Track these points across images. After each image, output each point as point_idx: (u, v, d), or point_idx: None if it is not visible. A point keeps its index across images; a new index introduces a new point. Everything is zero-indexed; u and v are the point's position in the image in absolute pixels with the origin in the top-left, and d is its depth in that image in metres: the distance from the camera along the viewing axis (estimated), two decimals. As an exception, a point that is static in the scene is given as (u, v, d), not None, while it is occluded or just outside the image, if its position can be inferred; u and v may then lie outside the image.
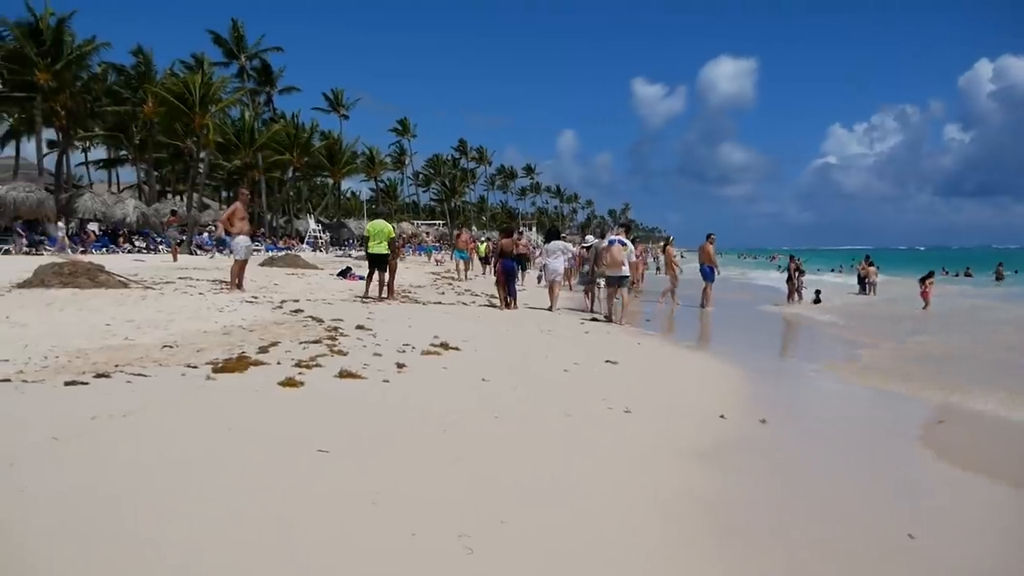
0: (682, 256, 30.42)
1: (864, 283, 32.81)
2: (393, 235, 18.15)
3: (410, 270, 34.53)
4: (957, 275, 51.55)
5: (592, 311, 18.37)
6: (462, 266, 28.85)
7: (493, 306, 18.27)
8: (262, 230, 61.85)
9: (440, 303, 18.22)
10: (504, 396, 7.60)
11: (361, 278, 22.68)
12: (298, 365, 8.12)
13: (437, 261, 45.11)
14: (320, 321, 12.07)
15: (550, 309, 18.20)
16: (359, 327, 11.60)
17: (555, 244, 19.55)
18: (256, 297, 15.10)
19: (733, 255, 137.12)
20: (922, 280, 26.75)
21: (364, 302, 16.74)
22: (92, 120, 56.47)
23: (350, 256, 49.78)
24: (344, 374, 7.81)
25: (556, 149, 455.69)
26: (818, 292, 27.10)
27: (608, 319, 16.46)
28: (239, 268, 16.37)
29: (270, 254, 38.18)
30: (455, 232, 32.45)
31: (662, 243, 24.60)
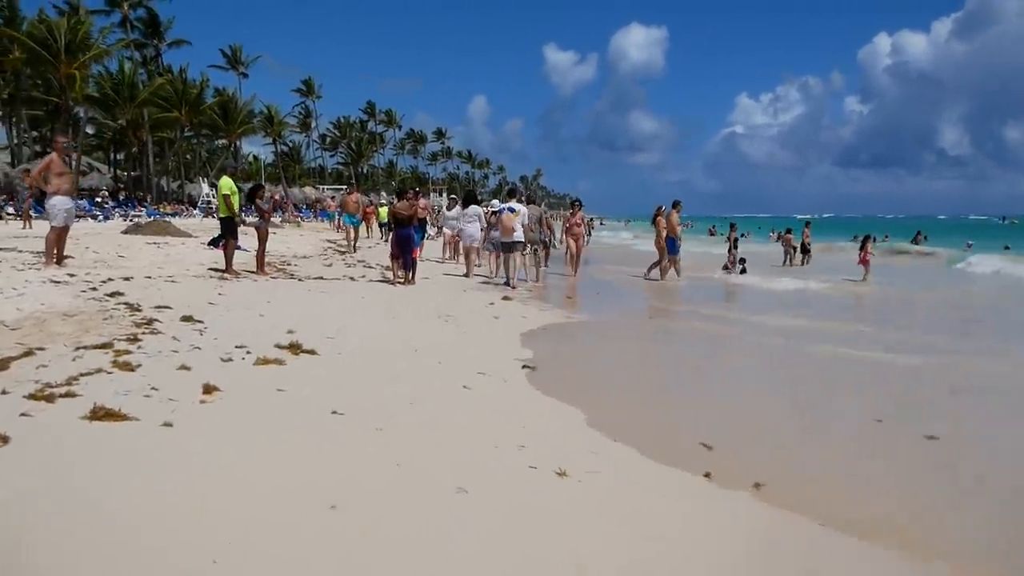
0: (601, 223, 27.47)
1: (789, 252, 30.47)
2: (228, 192, 14.76)
3: (304, 238, 31.25)
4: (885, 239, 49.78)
5: (507, 277, 16.72)
6: (351, 233, 24.95)
7: (387, 281, 15.31)
8: (141, 195, 57.14)
9: (321, 278, 15.15)
10: (360, 454, 4.69)
11: (239, 246, 19.44)
12: (35, 396, 5.07)
13: (339, 227, 41.58)
14: (137, 309, 8.95)
15: (466, 275, 17.94)
16: (186, 318, 8.51)
17: (472, 209, 18.78)
18: (73, 275, 11.76)
19: (646, 223, 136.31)
20: (861, 246, 24.52)
21: (224, 279, 13.56)
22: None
23: (244, 222, 45.76)
24: (99, 413, 4.78)
25: (467, 115, 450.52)
26: (743, 261, 24.53)
27: (508, 283, 16.35)
28: (55, 237, 12.91)
29: (151, 219, 34.17)
30: (344, 193, 27.41)
31: (656, 214, 20.88)
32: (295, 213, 58.91)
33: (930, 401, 7.62)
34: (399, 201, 15.78)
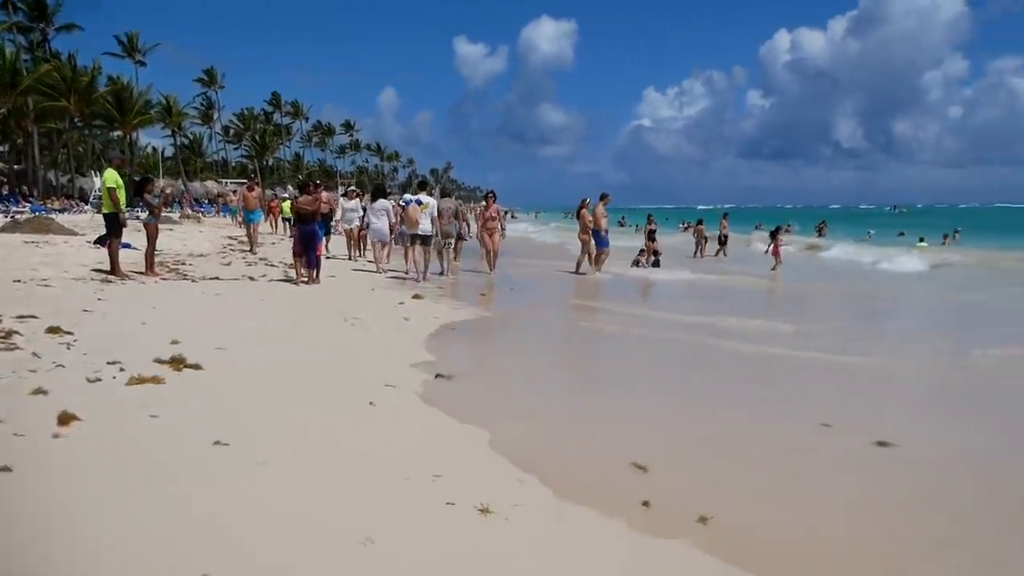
0: (513, 216, 26.53)
1: (700, 243, 30.40)
2: (114, 185, 13.58)
3: (204, 234, 29.73)
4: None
5: (415, 272, 16.63)
6: (253, 230, 21.58)
7: (290, 280, 14.38)
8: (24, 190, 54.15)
9: (218, 279, 14.11)
10: (245, 499, 3.92)
11: (126, 244, 18.14)
12: None
13: (240, 224, 39.71)
14: (-4, 320, 7.89)
15: (378, 271, 17.71)
16: (53, 330, 7.51)
17: (380, 203, 18.08)
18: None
19: (558, 214, 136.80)
20: (772, 235, 24.51)
21: (108, 281, 12.45)
22: None
23: (138, 218, 43.71)
24: (-87, 460, 3.89)
25: (376, 107, 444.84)
26: (657, 254, 24.22)
27: (421, 277, 16.38)
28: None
29: (33, 216, 32.08)
30: (244, 187, 24.74)
31: (580, 206, 20.22)
32: (196, 208, 56.73)
33: (873, 402, 7.22)
34: (301, 195, 14.84)
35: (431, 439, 5.17)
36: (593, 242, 19.87)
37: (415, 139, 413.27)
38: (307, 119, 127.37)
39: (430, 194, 17.50)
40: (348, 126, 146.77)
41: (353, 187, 23.29)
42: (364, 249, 20.77)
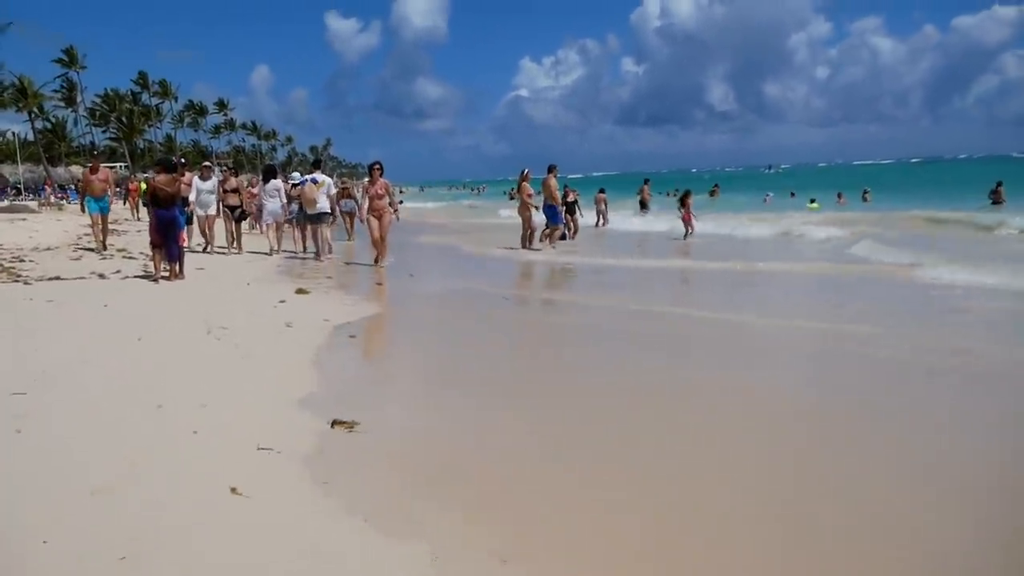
0: (401, 192, 24.31)
1: (602, 212, 29.08)
2: None
3: (62, 223, 26.57)
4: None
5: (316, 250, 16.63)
6: (99, 220, 16.91)
7: (148, 276, 12.15)
8: None
9: (59, 278, 11.76)
10: None
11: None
12: None
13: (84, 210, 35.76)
14: None
15: (270, 252, 17.13)
16: None
17: (273, 183, 17.57)
18: None
19: (442, 187, 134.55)
20: (681, 201, 23.14)
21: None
22: None
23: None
24: None
25: (250, 85, 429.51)
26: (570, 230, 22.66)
27: (317, 257, 16.33)
28: None
29: None
30: (87, 168, 19.86)
31: (521, 179, 18.70)
32: (59, 196, 52.35)
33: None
34: (159, 175, 12.56)
35: (332, 565, 3.28)
36: (541, 217, 19.06)
37: (292, 117, 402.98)
38: (177, 99, 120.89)
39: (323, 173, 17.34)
40: (222, 105, 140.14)
41: (207, 163, 18.99)
42: (208, 239, 17.21)
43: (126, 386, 5.67)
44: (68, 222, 27.74)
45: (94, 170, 17.07)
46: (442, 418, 5.33)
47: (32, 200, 46.71)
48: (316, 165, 18.18)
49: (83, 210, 17.36)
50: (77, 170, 75.19)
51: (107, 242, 17.14)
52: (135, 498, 3.71)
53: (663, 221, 26.39)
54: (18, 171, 69.47)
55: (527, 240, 18.80)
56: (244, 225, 18.44)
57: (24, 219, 26.99)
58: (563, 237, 20.63)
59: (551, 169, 18.63)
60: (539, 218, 19.10)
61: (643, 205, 31.00)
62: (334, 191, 17.45)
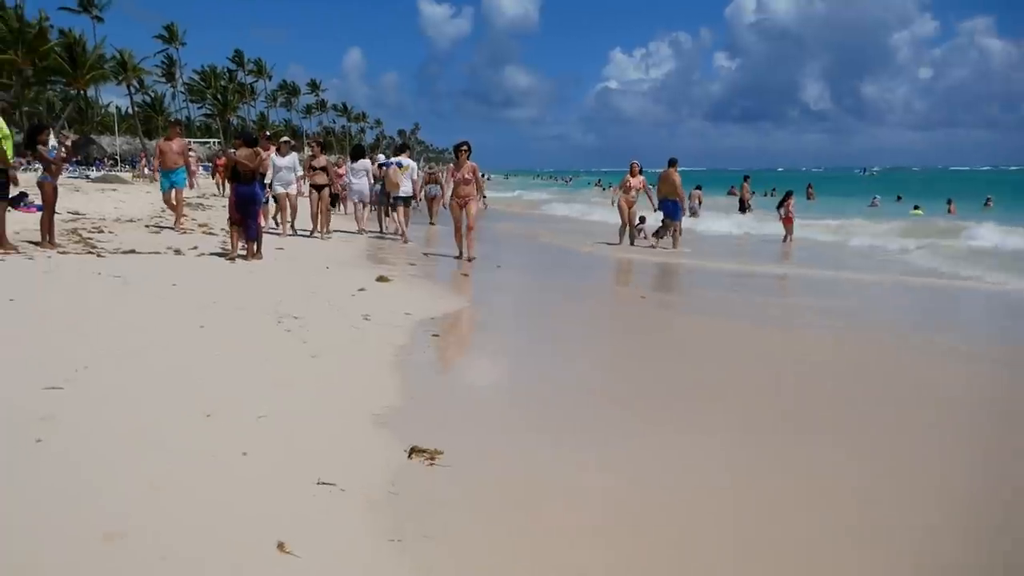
0: (488, 179, 23.15)
1: (693, 208, 27.66)
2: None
3: (152, 195, 26.49)
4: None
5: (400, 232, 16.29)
6: (175, 199, 15.40)
7: (225, 254, 11.55)
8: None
9: (134, 252, 11.24)
10: None
11: (30, 205, 15.15)
12: None
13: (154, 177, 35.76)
14: None
15: (357, 232, 17.38)
16: None
17: (361, 163, 17.74)
18: None
19: (529, 176, 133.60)
20: (782, 202, 21.71)
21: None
22: None
23: (87, 178, 40.47)
24: None
25: (342, 68, 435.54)
26: (643, 219, 20.73)
27: (398, 238, 16.27)
28: None
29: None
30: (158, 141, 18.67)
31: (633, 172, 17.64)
32: (153, 167, 52.98)
33: None
34: (239, 148, 11.92)
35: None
36: (653, 215, 17.89)
37: (382, 100, 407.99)
38: (271, 78, 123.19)
39: (410, 156, 17.26)
40: (314, 86, 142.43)
41: (286, 138, 17.71)
42: (285, 220, 15.94)
43: (176, 385, 4.88)
44: (156, 195, 27.62)
45: (170, 137, 15.76)
46: (549, 451, 4.35)
47: (126, 172, 47.41)
48: (402, 149, 17.87)
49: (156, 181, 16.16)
50: (172, 145, 76.62)
51: (182, 218, 15.85)
52: (153, 549, 2.87)
53: (760, 221, 24.98)
54: (115, 143, 70.93)
55: (626, 235, 17.64)
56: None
57: (115, 190, 27.07)
58: (658, 235, 19.44)
59: (673, 163, 17.48)
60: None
61: (743, 205, 29.45)
62: (417, 175, 17.10)
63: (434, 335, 7.20)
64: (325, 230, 15.93)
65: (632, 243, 17.49)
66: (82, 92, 68.83)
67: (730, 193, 41.70)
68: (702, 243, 18.44)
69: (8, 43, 52.87)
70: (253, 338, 6.40)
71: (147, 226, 14.89)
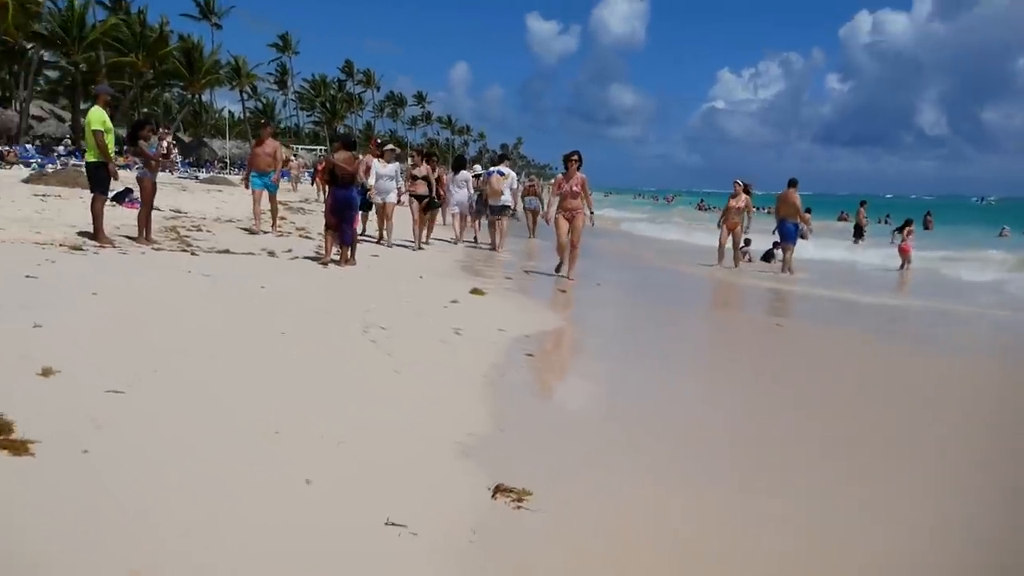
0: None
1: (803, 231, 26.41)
2: (101, 128, 10.54)
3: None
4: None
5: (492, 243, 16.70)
6: (261, 199, 14.69)
7: (318, 258, 11.29)
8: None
9: (228, 251, 11.09)
10: None
11: (132, 200, 15.29)
12: None
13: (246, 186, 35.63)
14: None
15: (453, 242, 17.24)
16: None
17: (463, 174, 17.61)
18: None
19: (629, 195, 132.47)
20: (900, 229, 20.54)
21: (78, 249, 9.55)
22: None
23: (196, 178, 41.62)
24: None
25: (448, 81, 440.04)
26: (748, 241, 19.54)
27: (493, 248, 16.47)
28: None
29: (58, 169, 29.60)
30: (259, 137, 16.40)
31: (743, 190, 16.50)
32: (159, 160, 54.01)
33: None
34: (337, 152, 11.66)
35: None
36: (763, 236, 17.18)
37: (486, 114, 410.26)
38: (379, 89, 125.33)
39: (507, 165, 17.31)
40: (420, 98, 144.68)
41: (390, 144, 16.60)
42: (384, 229, 14.98)
43: (246, 396, 4.47)
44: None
45: (260, 142, 15.06)
46: (666, 500, 3.77)
47: (235, 175, 48.55)
48: (502, 158, 18.22)
49: (246, 186, 15.15)
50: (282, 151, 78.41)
51: (278, 222, 15.31)
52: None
53: (876, 248, 23.68)
54: (226, 146, 72.91)
55: (726, 256, 16.74)
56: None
57: (220, 191, 27.58)
58: (767, 258, 18.55)
59: (793, 183, 16.58)
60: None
61: (858, 231, 27.97)
62: (517, 185, 17.67)
63: (528, 354, 6.66)
64: (423, 240, 15.51)
65: (736, 265, 16.56)
66: (197, 96, 71.15)
67: (840, 218, 40.08)
68: (814, 269, 17.41)
69: (130, 46, 54.85)
70: (334, 348, 5.97)
71: (245, 229, 14.73)
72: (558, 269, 12.49)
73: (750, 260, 18.06)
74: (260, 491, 3.26)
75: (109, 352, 4.95)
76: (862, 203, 29.05)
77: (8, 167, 33.46)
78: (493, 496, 3.52)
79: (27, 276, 7.07)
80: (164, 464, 3.40)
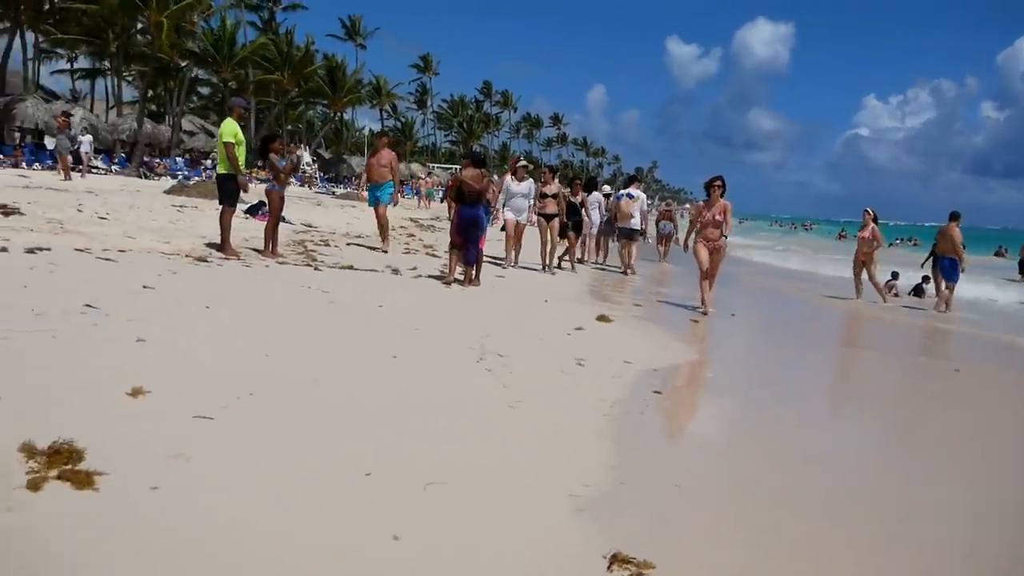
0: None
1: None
2: (232, 140, 10.68)
3: (389, 212, 27.03)
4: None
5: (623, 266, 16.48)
6: (381, 213, 14.27)
7: (442, 277, 11.00)
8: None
9: (352, 267, 10.94)
10: None
11: (259, 212, 15.64)
12: None
13: (363, 197, 35.51)
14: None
15: (581, 261, 16.99)
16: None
17: (594, 196, 17.54)
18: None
19: (764, 222, 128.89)
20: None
21: (202, 260, 9.56)
22: (63, 21, 48.40)
23: (333, 194, 42.61)
24: None
25: (585, 103, 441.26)
26: (895, 275, 18.25)
27: (624, 272, 16.28)
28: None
29: (196, 180, 30.58)
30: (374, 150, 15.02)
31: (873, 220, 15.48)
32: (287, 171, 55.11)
33: None
34: (465, 168, 11.39)
35: None
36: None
37: (621, 137, 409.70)
38: (516, 110, 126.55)
39: (640, 188, 17.26)
40: (556, 119, 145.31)
41: (523, 161, 15.38)
42: (512, 251, 14.49)
43: (341, 429, 4.09)
44: (392, 213, 28.27)
45: (376, 152, 14.38)
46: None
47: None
48: (631, 180, 18.15)
49: (364, 198, 14.79)
50: (417, 168, 79.88)
51: (388, 236, 14.67)
52: None
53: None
54: (364, 163, 74.78)
55: (862, 290, 15.43)
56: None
57: (353, 206, 28.00)
58: (917, 293, 17.30)
59: (954, 217, 15.22)
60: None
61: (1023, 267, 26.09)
62: (647, 207, 17.41)
63: (656, 391, 6.05)
64: (552, 262, 14.71)
65: (884, 300, 15.32)
66: (339, 114, 73.24)
67: (997, 253, 37.59)
68: (974, 308, 16.06)
69: (277, 65, 56.84)
70: (447, 377, 5.55)
71: (370, 247, 14.55)
72: (702, 303, 11.07)
73: (896, 295, 16.86)
74: (341, 544, 2.84)
75: (208, 371, 4.68)
76: None
77: (156, 178, 34.92)
78: (609, 568, 2.98)
79: (144, 287, 6.99)
80: (239, 505, 3.02)
